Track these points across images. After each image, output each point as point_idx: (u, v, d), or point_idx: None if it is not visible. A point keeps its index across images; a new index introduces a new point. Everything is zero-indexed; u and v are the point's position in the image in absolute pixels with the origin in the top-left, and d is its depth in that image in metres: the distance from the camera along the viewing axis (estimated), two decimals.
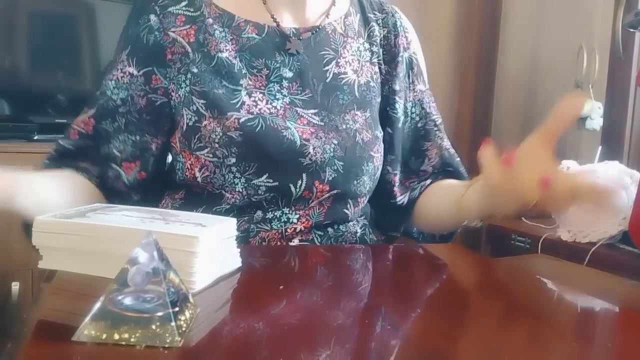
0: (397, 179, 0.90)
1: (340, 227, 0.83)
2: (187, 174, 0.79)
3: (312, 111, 0.81)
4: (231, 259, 0.60)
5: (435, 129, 0.92)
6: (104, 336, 0.40)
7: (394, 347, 0.44)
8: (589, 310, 0.62)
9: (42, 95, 1.94)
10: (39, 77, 1.96)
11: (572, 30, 2.23)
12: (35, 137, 1.77)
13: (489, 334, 0.48)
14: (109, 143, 0.81)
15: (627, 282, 0.69)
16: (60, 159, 0.81)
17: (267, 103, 0.79)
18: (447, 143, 0.93)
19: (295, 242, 0.80)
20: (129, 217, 0.58)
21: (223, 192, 0.78)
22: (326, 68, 0.84)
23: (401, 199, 0.90)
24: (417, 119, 0.91)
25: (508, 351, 0.44)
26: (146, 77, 0.81)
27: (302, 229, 0.80)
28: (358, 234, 0.86)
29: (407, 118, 0.91)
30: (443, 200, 0.86)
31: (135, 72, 0.80)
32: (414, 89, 0.91)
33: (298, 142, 0.78)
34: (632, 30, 2.00)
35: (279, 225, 0.79)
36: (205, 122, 0.77)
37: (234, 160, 0.76)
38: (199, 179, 0.78)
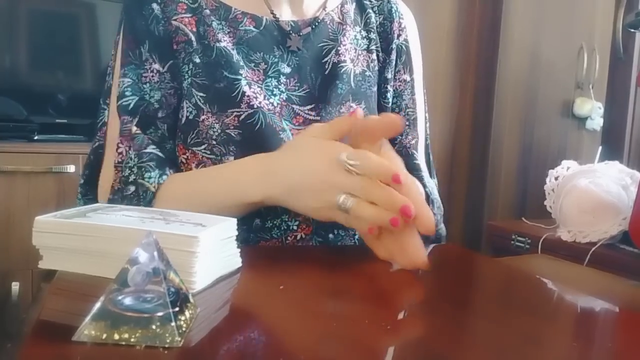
0: None
1: (340, 231, 0.83)
2: (182, 168, 0.78)
3: (309, 107, 0.81)
4: (231, 259, 0.60)
5: (407, 124, 0.90)
6: (104, 336, 0.40)
7: (393, 347, 0.44)
8: (589, 310, 0.62)
9: (43, 95, 1.94)
10: (40, 76, 1.96)
11: (573, 30, 2.24)
12: (36, 137, 1.77)
13: (488, 334, 0.48)
14: (164, 148, 0.78)
15: (627, 282, 0.69)
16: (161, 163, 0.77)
17: (264, 98, 0.78)
18: (410, 139, 0.89)
19: None
20: (129, 217, 0.58)
21: None
22: (325, 59, 0.83)
23: None
24: (397, 110, 0.90)
25: (508, 351, 0.44)
26: (172, 72, 0.78)
27: (303, 236, 0.79)
28: (357, 236, 0.85)
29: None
30: None
31: (161, 69, 0.78)
32: (398, 78, 0.90)
33: None
34: (632, 30, 2.01)
35: (279, 234, 0.78)
36: (203, 117, 0.77)
37: (231, 158, 0.76)
38: None
